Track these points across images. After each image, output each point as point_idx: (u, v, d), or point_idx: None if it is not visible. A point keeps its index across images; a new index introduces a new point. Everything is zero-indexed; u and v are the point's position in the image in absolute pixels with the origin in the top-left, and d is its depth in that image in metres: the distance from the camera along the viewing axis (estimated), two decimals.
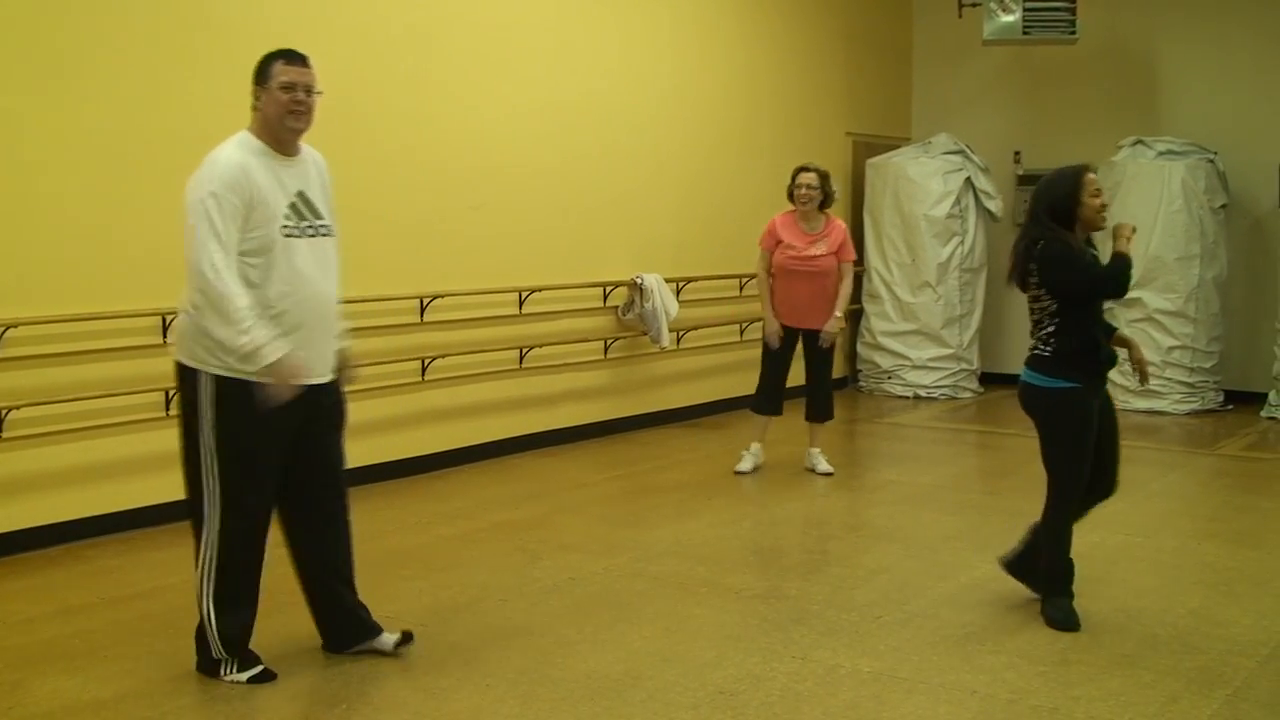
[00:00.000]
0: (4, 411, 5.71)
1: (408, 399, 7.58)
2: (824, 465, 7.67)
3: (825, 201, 7.50)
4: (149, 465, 6.29)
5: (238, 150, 4.09)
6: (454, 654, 4.51)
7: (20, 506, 5.85)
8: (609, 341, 9.00)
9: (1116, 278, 4.84)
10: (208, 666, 4.27)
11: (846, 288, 7.53)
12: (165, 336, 6.24)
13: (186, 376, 4.11)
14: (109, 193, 6.05)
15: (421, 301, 7.53)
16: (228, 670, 4.24)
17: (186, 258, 3.97)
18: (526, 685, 4.21)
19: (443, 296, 7.61)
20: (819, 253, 7.43)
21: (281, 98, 4.14)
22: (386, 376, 7.41)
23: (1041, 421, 4.92)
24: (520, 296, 8.22)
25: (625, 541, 6.11)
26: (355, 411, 7.20)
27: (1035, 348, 4.91)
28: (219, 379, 4.05)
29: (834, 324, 7.49)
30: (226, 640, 4.23)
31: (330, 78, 7.01)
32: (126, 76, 6.10)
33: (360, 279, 7.21)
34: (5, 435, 5.74)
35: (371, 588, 5.31)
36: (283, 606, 5.05)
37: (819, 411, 7.74)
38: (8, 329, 5.70)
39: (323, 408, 4.36)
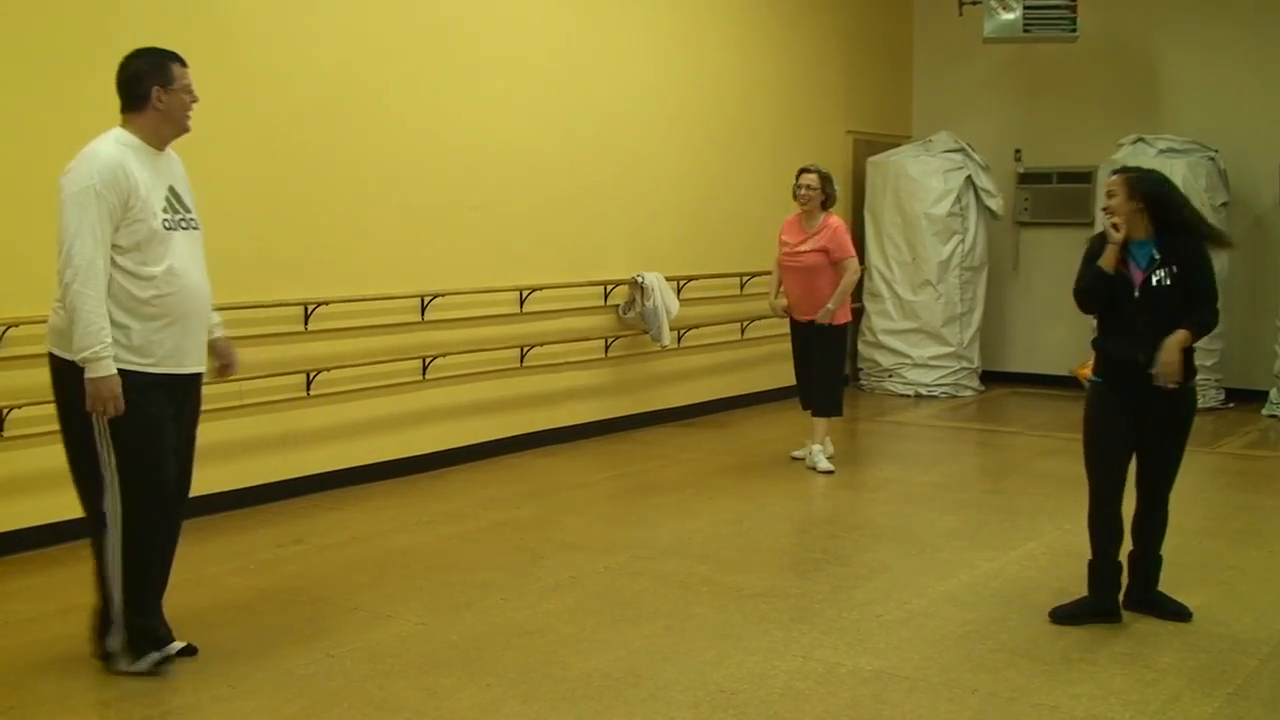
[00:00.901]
0: (5, 411, 5.71)
1: (408, 398, 7.58)
2: (823, 463, 7.69)
3: (826, 202, 7.64)
4: None
5: (115, 146, 4.15)
6: (455, 653, 4.51)
7: (22, 505, 5.85)
8: (610, 340, 9.00)
9: (1075, 294, 4.86)
10: (104, 658, 4.29)
11: (844, 283, 7.61)
12: None
13: (61, 368, 4.13)
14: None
15: (422, 300, 7.53)
16: (126, 661, 4.26)
17: (61, 246, 4.02)
18: (528, 684, 4.21)
19: (443, 295, 7.61)
20: (807, 248, 7.60)
21: (184, 99, 4.31)
22: (387, 375, 7.41)
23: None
24: (521, 295, 8.22)
25: (626, 540, 6.11)
26: (355, 411, 7.28)
27: None
28: (120, 373, 4.10)
29: (822, 314, 7.58)
30: (137, 630, 4.25)
31: (331, 77, 7.05)
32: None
33: (361, 278, 7.25)
34: (6, 434, 5.74)
35: (371, 586, 5.34)
36: (285, 606, 5.06)
37: (813, 405, 7.81)
38: (8, 328, 5.70)
39: (191, 400, 4.44)
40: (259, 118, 6.66)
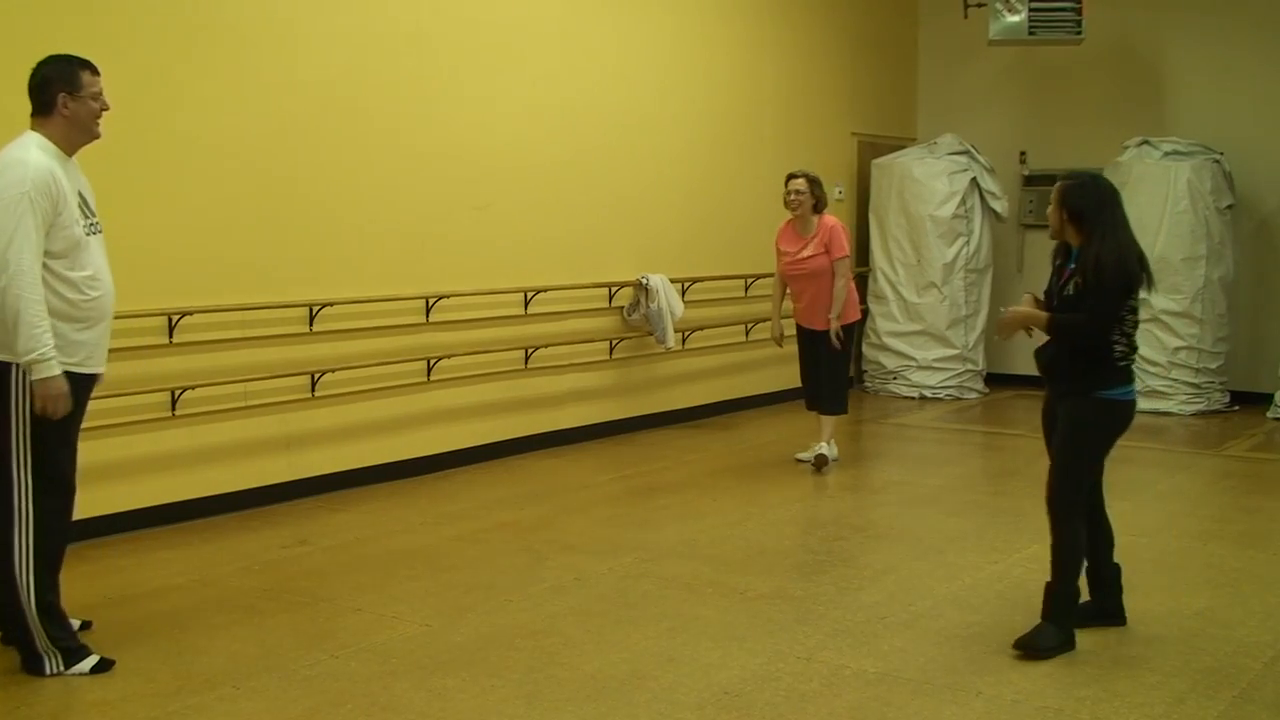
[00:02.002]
0: None
1: (413, 399, 7.59)
2: (826, 450, 7.77)
3: (818, 205, 7.64)
4: (155, 465, 6.30)
5: (42, 154, 4.20)
6: (459, 654, 4.52)
7: None
8: (614, 342, 9.00)
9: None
10: (33, 664, 4.29)
11: (838, 290, 7.59)
12: (171, 336, 6.27)
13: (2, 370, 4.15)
14: (110, 193, 6.00)
15: (427, 302, 7.53)
16: (52, 664, 4.28)
17: None
18: (531, 685, 4.21)
19: (448, 297, 7.62)
20: (808, 254, 7.60)
21: (93, 105, 4.34)
22: (391, 377, 7.42)
23: None
24: (525, 297, 8.22)
25: (630, 542, 6.11)
26: (360, 412, 7.29)
27: None
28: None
29: (835, 323, 7.62)
30: (52, 634, 4.28)
31: (334, 79, 7.06)
32: (127, 77, 6.09)
33: (365, 280, 7.25)
34: None
35: (376, 588, 5.34)
36: (289, 607, 5.06)
37: (819, 403, 7.84)
38: None
39: (88, 398, 4.47)
40: (263, 119, 6.66)
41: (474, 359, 7.90)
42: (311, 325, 6.94)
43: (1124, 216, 4.66)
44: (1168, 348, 10.12)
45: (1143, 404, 10.11)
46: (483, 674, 4.31)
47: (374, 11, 7.21)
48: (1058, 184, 4.71)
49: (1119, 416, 4.61)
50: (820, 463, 7.74)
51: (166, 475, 6.36)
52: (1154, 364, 10.18)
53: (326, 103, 6.98)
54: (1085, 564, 4.72)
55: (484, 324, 7.94)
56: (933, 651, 4.57)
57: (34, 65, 4.37)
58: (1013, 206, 11.38)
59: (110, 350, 5.91)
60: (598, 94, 8.74)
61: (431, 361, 7.61)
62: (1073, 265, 4.61)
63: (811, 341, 7.79)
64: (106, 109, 4.41)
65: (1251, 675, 4.34)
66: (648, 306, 8.90)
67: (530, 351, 8.27)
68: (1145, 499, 7.26)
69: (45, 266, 4.14)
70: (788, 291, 7.94)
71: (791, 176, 7.69)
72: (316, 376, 6.98)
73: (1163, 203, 10.01)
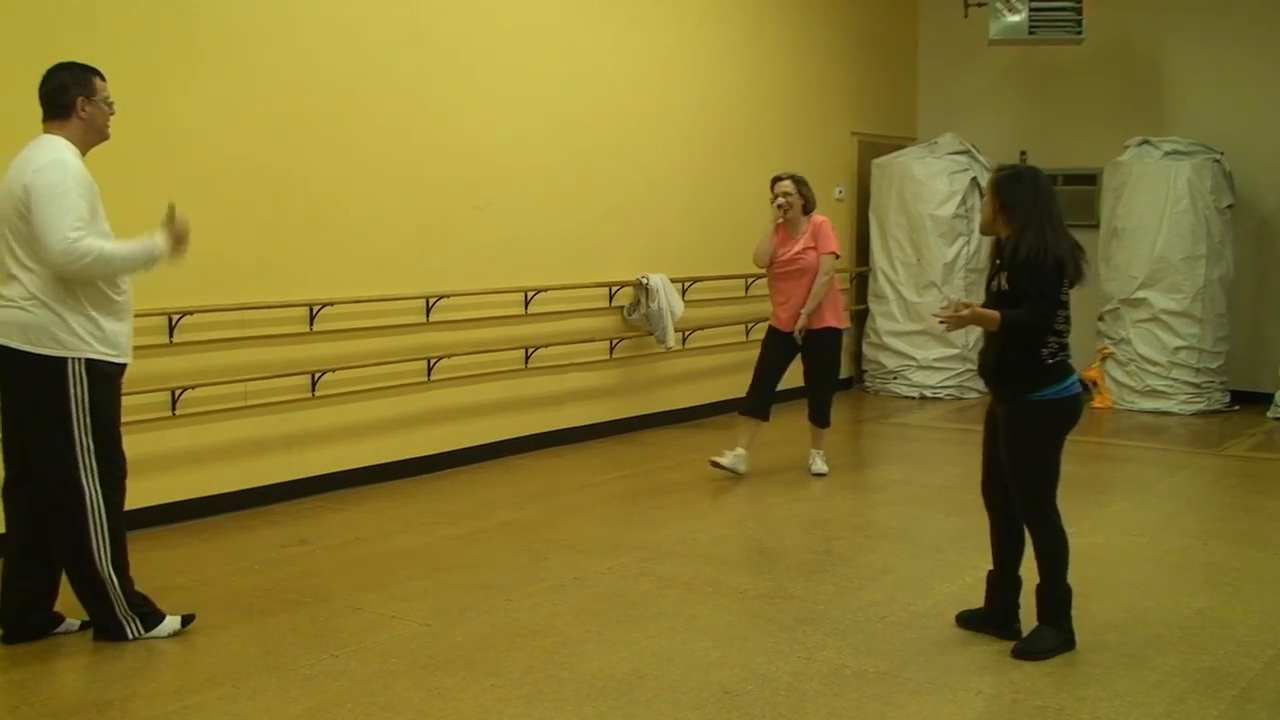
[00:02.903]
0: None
1: (413, 399, 7.59)
2: (819, 465, 7.68)
3: (807, 206, 7.44)
4: (155, 465, 6.30)
5: (72, 155, 4.46)
6: (459, 653, 4.52)
7: None
8: (614, 342, 9.00)
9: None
10: (115, 632, 4.59)
11: (818, 283, 7.36)
12: (171, 336, 6.27)
13: (48, 365, 4.39)
14: (110, 193, 5.99)
15: (427, 301, 7.53)
16: (133, 630, 4.60)
17: (48, 245, 4.30)
18: (532, 685, 4.21)
19: (448, 297, 7.62)
20: (798, 249, 7.39)
21: (105, 109, 4.59)
22: (392, 376, 7.42)
23: None
24: (526, 297, 8.22)
25: (630, 541, 6.11)
26: (360, 412, 7.29)
27: None
28: (89, 362, 4.44)
29: (803, 319, 7.40)
30: (132, 601, 4.61)
31: (334, 78, 7.06)
32: (127, 77, 6.08)
33: (366, 279, 7.25)
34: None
35: (377, 587, 5.34)
36: (289, 607, 5.06)
37: (815, 414, 7.66)
38: None
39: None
40: (263, 119, 6.66)
41: (474, 359, 7.90)
42: (312, 325, 6.94)
43: (1057, 212, 4.52)
44: (1168, 347, 10.12)
45: (1143, 404, 10.24)
46: (483, 673, 4.31)
47: (374, 11, 7.20)
48: (994, 176, 4.64)
49: (1057, 415, 4.54)
50: (735, 465, 7.47)
51: (166, 475, 6.36)
52: (1154, 364, 10.18)
53: (326, 102, 6.98)
54: (1012, 559, 4.66)
55: (484, 324, 7.94)
56: (933, 651, 4.57)
57: (45, 72, 4.54)
58: None
59: None
60: (598, 93, 8.73)
61: (432, 361, 7.61)
62: (999, 259, 4.57)
63: (805, 346, 7.51)
64: (114, 112, 4.63)
65: (1252, 674, 4.34)
66: (648, 306, 8.90)
67: (530, 351, 8.27)
68: (1145, 498, 7.26)
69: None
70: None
71: (778, 179, 7.47)
72: (317, 376, 6.98)
73: (1163, 202, 10.01)
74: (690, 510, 6.84)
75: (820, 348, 7.54)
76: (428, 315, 7.56)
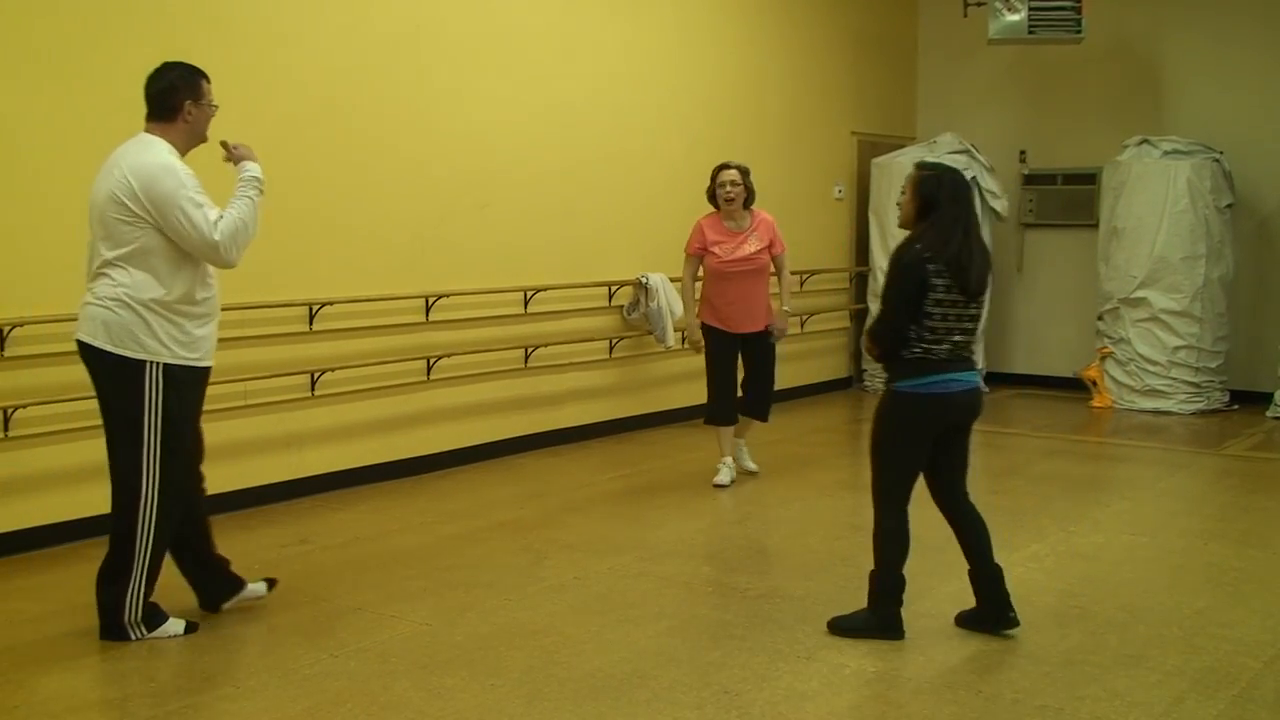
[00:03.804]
0: (10, 410, 5.72)
1: (413, 398, 7.59)
2: (751, 464, 7.64)
3: (749, 198, 7.25)
4: None
5: (174, 157, 4.51)
6: (459, 653, 4.52)
7: (26, 505, 5.86)
8: (614, 341, 9.00)
9: None
10: (117, 633, 4.60)
11: (791, 282, 7.35)
12: None
13: (127, 366, 4.45)
14: None
15: (427, 301, 7.53)
16: (136, 633, 4.61)
17: (204, 253, 4.45)
18: (531, 684, 4.21)
19: (448, 296, 7.62)
20: (752, 250, 7.19)
21: (210, 112, 4.67)
22: (391, 376, 7.42)
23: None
24: (525, 296, 8.22)
25: (630, 541, 6.11)
26: (359, 411, 7.29)
27: (972, 353, 4.69)
28: (168, 366, 4.49)
29: (784, 318, 7.37)
30: (146, 607, 4.63)
31: (334, 78, 7.06)
32: (128, 77, 6.06)
33: (365, 279, 7.25)
34: (10, 434, 5.76)
35: (376, 587, 5.34)
36: (289, 606, 5.07)
37: (760, 409, 7.49)
38: (12, 328, 5.71)
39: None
40: (263, 118, 6.65)
41: (474, 358, 7.90)
42: (311, 324, 6.94)
43: (965, 215, 4.53)
44: (1167, 347, 10.12)
45: (1142, 403, 10.24)
46: (482, 673, 4.32)
47: (374, 11, 7.20)
48: (913, 174, 4.67)
49: (914, 408, 4.59)
50: (732, 475, 7.43)
51: None
52: (1154, 363, 10.19)
53: (326, 102, 6.98)
54: (907, 555, 4.72)
55: (484, 323, 7.94)
56: (932, 650, 4.57)
57: (154, 71, 4.57)
58: (1012, 205, 11.37)
59: None
60: (597, 92, 8.73)
61: (431, 360, 7.61)
62: None
63: (742, 346, 7.30)
64: (215, 114, 4.70)
65: (1251, 674, 4.34)
66: (647, 305, 8.91)
67: (530, 350, 8.27)
68: (1145, 498, 7.27)
69: (182, 266, 4.48)
70: (701, 294, 7.38)
71: (723, 168, 7.20)
72: (316, 376, 6.98)
73: (1162, 202, 10.01)
74: (690, 510, 6.84)
75: (766, 345, 7.38)
76: (427, 315, 7.56)
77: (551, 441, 8.52)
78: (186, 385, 4.55)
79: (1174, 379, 10.15)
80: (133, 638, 4.60)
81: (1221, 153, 10.21)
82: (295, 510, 6.71)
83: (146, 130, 4.56)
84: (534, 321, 8.31)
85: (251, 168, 4.68)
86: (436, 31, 7.57)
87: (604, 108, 8.79)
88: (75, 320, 5.89)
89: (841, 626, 4.71)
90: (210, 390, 6.42)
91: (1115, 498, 7.25)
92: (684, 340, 7.45)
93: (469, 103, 7.80)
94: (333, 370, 7.05)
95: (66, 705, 4.06)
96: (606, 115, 8.81)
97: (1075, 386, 10.91)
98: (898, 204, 4.73)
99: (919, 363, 4.52)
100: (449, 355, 7.69)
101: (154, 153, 4.46)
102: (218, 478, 6.56)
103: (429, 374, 7.62)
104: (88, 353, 4.51)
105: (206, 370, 4.67)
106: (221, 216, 4.47)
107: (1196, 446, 8.87)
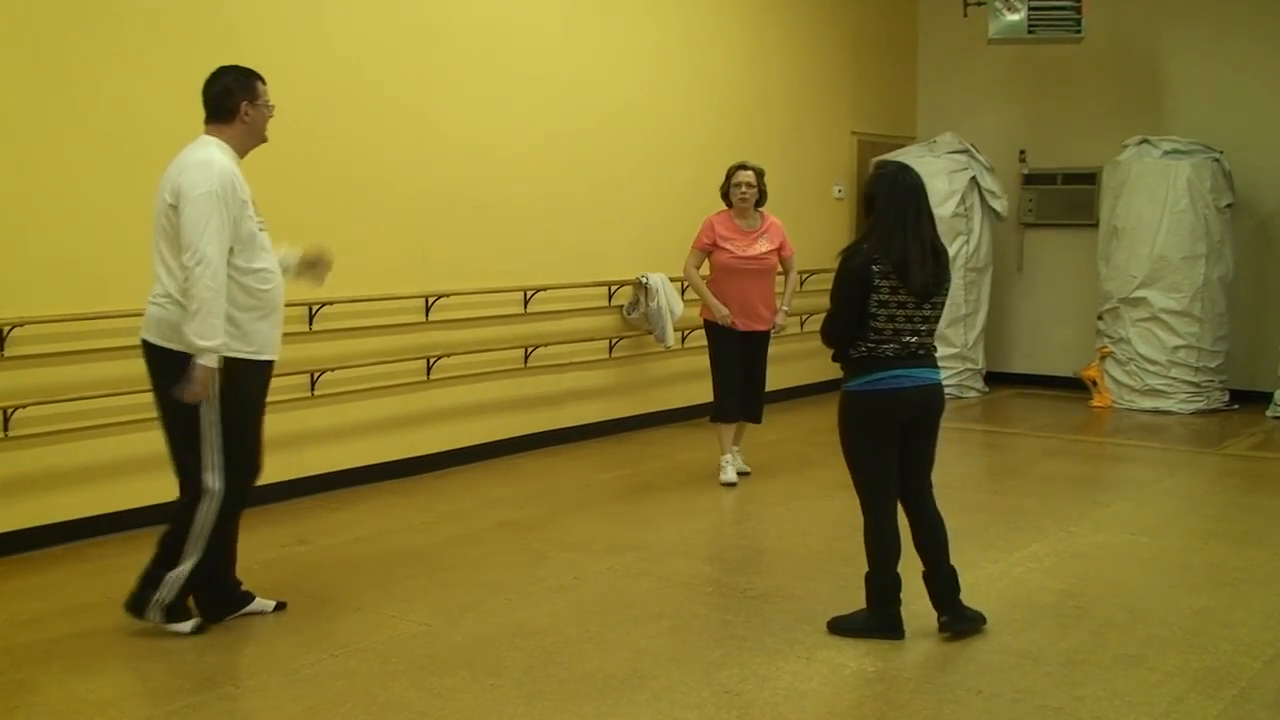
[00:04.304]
0: (10, 410, 5.72)
1: (412, 398, 7.59)
2: (743, 465, 7.63)
3: (761, 199, 7.36)
4: (155, 464, 6.26)
5: (222, 155, 4.56)
6: (459, 653, 4.52)
7: (26, 505, 5.86)
8: (614, 341, 9.00)
9: None
10: (137, 609, 4.64)
11: (795, 281, 7.51)
12: None
13: (181, 361, 4.46)
14: (114, 192, 6.06)
15: (426, 301, 7.53)
16: (153, 616, 4.64)
17: (189, 243, 4.37)
18: (532, 684, 4.21)
19: (448, 296, 7.61)
20: (763, 250, 7.31)
21: (267, 113, 4.76)
22: (391, 376, 7.42)
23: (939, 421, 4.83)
24: (525, 296, 8.22)
25: (630, 541, 6.11)
26: (359, 411, 7.29)
27: (934, 349, 4.68)
28: (226, 360, 4.53)
29: (783, 317, 7.44)
30: (178, 597, 4.64)
31: (335, 78, 7.05)
32: (130, 77, 6.10)
33: (365, 278, 7.25)
34: (11, 434, 5.75)
35: (376, 587, 5.34)
36: (290, 606, 5.06)
37: (754, 411, 7.54)
38: (13, 328, 5.71)
39: (268, 385, 4.87)
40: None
41: (474, 358, 7.90)
42: (311, 324, 6.94)
43: (908, 214, 4.48)
44: (1167, 346, 10.12)
45: (1142, 403, 10.24)
46: (483, 673, 4.31)
47: (374, 11, 7.20)
48: (873, 173, 4.73)
49: (865, 406, 4.59)
50: (738, 472, 7.48)
51: (167, 475, 6.32)
52: (1154, 363, 10.19)
53: (326, 102, 6.98)
54: (899, 556, 4.69)
55: (484, 323, 7.94)
56: (932, 650, 4.57)
57: (210, 75, 4.65)
58: (1012, 205, 11.37)
59: (107, 350, 6.00)
60: (598, 93, 8.73)
61: (431, 360, 7.60)
62: None
63: (746, 345, 7.38)
64: (272, 114, 4.79)
65: (1251, 674, 4.34)
66: (647, 305, 8.90)
67: (530, 350, 8.27)
68: (1145, 498, 7.26)
69: (228, 261, 4.48)
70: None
71: (740, 168, 7.30)
72: (316, 376, 6.98)
73: (1162, 201, 10.01)
74: (690, 509, 6.84)
75: (763, 345, 7.46)
76: (427, 314, 7.56)
77: (551, 441, 8.52)
78: (242, 378, 4.58)
79: (1174, 379, 10.15)
80: (147, 619, 4.63)
81: (1221, 152, 10.20)
82: (295, 510, 6.71)
83: (206, 132, 4.66)
84: (534, 321, 8.31)
85: (208, 362, 4.46)
86: (437, 33, 7.57)
87: (604, 108, 8.79)
88: (75, 321, 5.94)
89: (841, 627, 4.72)
90: None
91: (1115, 497, 7.25)
92: (718, 326, 7.35)
93: (470, 103, 7.80)
94: (333, 370, 7.04)
95: (66, 706, 4.06)
96: (607, 115, 8.81)
97: (1075, 386, 10.91)
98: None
99: (865, 361, 4.54)
100: (449, 355, 7.69)
101: (201, 150, 4.54)
102: None
103: (429, 374, 7.62)
104: (145, 349, 4.61)
105: (265, 364, 4.71)
106: (212, 264, 4.36)
107: (1196, 446, 8.86)
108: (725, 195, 7.43)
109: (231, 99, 4.64)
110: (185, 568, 4.62)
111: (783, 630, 4.76)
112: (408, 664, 4.41)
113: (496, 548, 6.01)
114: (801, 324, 10.71)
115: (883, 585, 4.66)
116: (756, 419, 7.60)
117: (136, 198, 6.12)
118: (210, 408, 4.54)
